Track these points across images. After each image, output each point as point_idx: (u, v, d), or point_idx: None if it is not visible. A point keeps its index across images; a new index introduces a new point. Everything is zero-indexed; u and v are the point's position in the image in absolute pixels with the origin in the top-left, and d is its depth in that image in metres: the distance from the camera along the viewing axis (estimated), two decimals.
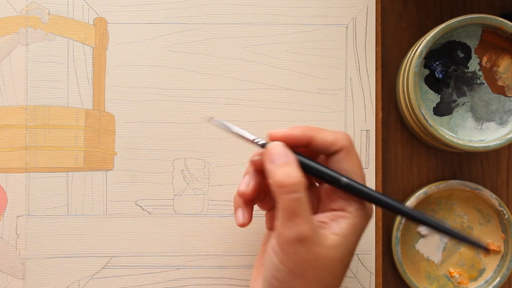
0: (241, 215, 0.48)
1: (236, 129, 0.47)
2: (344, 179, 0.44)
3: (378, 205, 0.44)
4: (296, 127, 0.46)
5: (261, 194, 0.49)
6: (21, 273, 0.53)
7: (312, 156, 0.47)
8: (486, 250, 0.43)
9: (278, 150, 0.44)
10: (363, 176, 0.45)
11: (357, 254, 0.54)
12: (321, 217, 0.45)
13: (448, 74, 0.51)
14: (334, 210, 0.45)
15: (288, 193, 0.43)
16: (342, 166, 0.45)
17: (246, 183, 0.47)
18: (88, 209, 0.53)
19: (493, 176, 0.56)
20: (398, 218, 0.53)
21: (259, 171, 0.47)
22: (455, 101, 0.51)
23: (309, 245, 0.43)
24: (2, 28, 0.53)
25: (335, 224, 0.44)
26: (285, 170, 0.43)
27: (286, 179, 0.43)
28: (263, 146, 0.45)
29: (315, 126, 0.46)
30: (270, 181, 0.44)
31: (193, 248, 0.54)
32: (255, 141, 0.46)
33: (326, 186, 0.46)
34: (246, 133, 0.46)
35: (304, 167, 0.45)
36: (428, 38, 0.49)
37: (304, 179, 0.43)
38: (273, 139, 0.46)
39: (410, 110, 0.51)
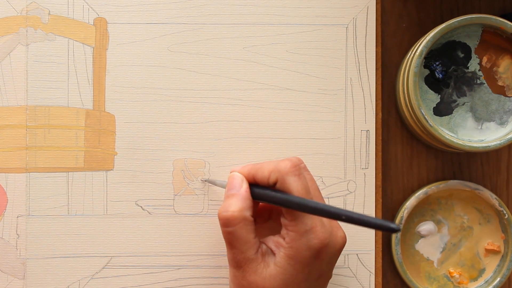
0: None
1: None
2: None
3: (312, 214, 0.45)
4: (245, 166, 0.49)
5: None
6: (21, 273, 0.53)
7: None
8: (395, 230, 0.40)
9: (233, 180, 0.48)
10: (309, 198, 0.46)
11: (357, 254, 0.54)
12: (273, 242, 0.47)
13: (448, 74, 0.51)
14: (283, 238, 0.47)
15: (222, 225, 0.46)
16: None
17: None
18: (88, 209, 0.53)
19: (493, 176, 0.56)
20: (398, 218, 0.53)
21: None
22: (455, 101, 0.51)
23: (244, 272, 0.46)
24: (2, 28, 0.53)
25: (277, 253, 0.46)
26: (227, 203, 0.47)
27: (222, 212, 0.46)
28: None
29: (262, 162, 0.49)
30: None
31: (193, 248, 0.54)
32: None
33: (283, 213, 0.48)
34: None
35: (257, 196, 0.48)
36: (428, 38, 0.49)
37: (240, 214, 0.46)
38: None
39: (410, 110, 0.51)
